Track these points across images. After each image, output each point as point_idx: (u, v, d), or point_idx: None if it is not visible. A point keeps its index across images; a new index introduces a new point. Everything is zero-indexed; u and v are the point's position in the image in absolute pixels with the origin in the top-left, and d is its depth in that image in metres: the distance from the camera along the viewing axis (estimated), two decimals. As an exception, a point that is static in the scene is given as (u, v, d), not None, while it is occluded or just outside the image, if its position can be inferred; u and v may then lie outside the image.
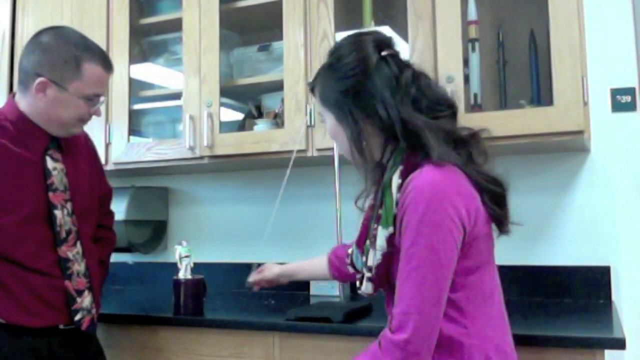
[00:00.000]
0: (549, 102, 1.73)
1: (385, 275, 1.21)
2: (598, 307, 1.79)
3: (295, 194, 2.29)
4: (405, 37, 1.89)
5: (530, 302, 1.90)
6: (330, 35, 1.94)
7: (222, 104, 2.13)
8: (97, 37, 2.11)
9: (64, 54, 1.50)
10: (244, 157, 2.05)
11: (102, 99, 1.59)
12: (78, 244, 1.58)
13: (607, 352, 1.37)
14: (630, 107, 1.91)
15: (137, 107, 2.35)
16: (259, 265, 1.73)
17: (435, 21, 1.82)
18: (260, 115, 2.27)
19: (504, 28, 1.98)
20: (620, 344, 1.34)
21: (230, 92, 2.23)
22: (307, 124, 1.95)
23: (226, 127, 2.18)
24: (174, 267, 1.83)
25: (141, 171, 2.36)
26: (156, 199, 2.51)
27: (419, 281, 1.09)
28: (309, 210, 2.25)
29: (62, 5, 2.38)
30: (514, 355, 1.22)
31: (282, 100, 2.09)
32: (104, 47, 2.19)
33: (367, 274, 1.22)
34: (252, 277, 1.77)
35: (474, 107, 1.85)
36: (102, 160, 2.11)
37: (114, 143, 2.25)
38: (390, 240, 1.17)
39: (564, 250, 1.96)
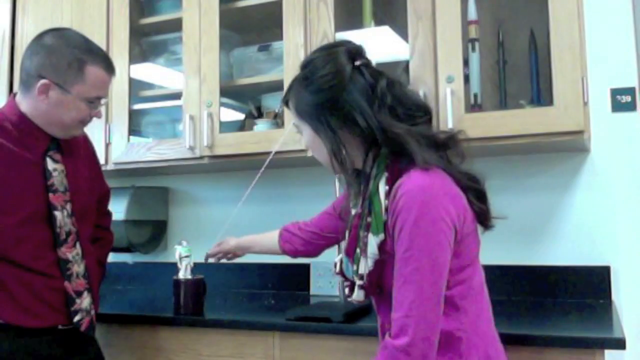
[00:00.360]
0: (549, 102, 1.73)
1: (376, 282, 1.22)
2: (598, 307, 1.79)
3: (295, 194, 2.29)
4: (405, 37, 1.89)
5: (530, 302, 1.91)
6: (330, 35, 1.95)
7: (222, 104, 2.13)
8: (97, 37, 2.11)
9: (68, 56, 1.50)
10: (244, 157, 2.05)
11: (103, 101, 1.59)
12: (77, 245, 1.58)
13: (607, 352, 1.38)
14: (630, 107, 1.91)
15: (137, 107, 2.35)
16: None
17: (435, 21, 1.82)
18: (260, 115, 2.27)
19: (504, 28, 1.98)
20: (620, 344, 1.34)
21: (230, 92, 2.23)
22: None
23: (226, 127, 2.18)
24: (174, 267, 1.84)
25: (141, 171, 2.36)
26: (156, 199, 2.51)
27: (417, 284, 1.10)
28: (309, 210, 2.24)
29: (62, 5, 2.38)
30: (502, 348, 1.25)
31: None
32: (104, 47, 2.20)
33: (359, 282, 1.23)
34: (211, 250, 1.80)
35: (474, 107, 1.85)
36: (102, 160, 2.12)
37: (114, 143, 2.24)
38: (382, 246, 1.18)
39: (564, 250, 1.96)
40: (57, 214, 1.54)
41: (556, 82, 1.68)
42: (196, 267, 1.84)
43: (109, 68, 1.57)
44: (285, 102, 1.33)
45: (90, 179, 1.69)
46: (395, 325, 1.12)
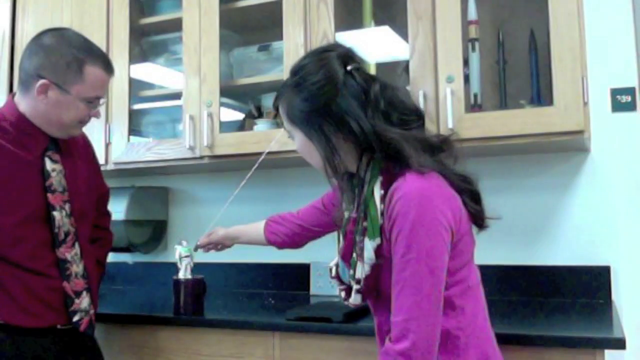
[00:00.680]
0: (549, 102, 1.73)
1: (373, 286, 1.22)
2: (598, 307, 1.79)
3: (293, 194, 2.29)
4: (405, 37, 1.89)
5: (530, 302, 1.90)
6: (330, 35, 1.94)
7: (222, 104, 2.13)
8: (97, 38, 2.11)
9: (67, 56, 1.50)
10: (244, 157, 2.05)
11: (102, 101, 1.59)
12: (76, 245, 1.58)
13: (607, 352, 1.37)
14: (630, 107, 1.91)
15: (137, 107, 2.35)
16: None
17: (435, 21, 1.82)
18: (260, 115, 2.27)
19: (504, 28, 1.98)
20: (620, 344, 1.34)
21: (230, 92, 2.23)
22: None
23: (226, 127, 2.18)
24: (174, 267, 1.83)
25: (141, 171, 2.36)
26: (156, 199, 2.51)
27: (417, 287, 1.11)
28: (309, 210, 2.25)
29: (62, 5, 2.38)
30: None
31: (282, 100, 2.09)
32: (104, 47, 2.20)
33: (356, 286, 1.23)
34: (201, 241, 1.81)
35: (474, 107, 1.85)
36: (102, 160, 2.12)
37: (114, 143, 2.24)
38: (378, 251, 1.18)
39: (564, 250, 1.96)
40: (56, 214, 1.54)
41: (556, 82, 1.68)
42: (196, 267, 1.83)
43: (108, 68, 1.57)
44: (276, 108, 1.32)
45: (89, 179, 1.69)
46: (396, 329, 1.13)
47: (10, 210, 1.49)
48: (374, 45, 2.05)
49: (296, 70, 1.27)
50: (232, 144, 2.06)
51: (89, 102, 1.54)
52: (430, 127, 1.61)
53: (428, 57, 1.82)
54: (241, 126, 2.31)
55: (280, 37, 2.04)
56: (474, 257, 1.25)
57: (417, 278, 1.10)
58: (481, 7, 1.92)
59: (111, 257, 1.89)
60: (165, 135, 2.38)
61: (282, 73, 2.02)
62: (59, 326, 1.55)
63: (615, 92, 1.92)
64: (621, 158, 1.92)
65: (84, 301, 1.58)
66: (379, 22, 2.05)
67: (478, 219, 1.23)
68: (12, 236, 1.49)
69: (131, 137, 2.27)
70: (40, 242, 1.53)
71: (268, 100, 2.28)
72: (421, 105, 1.76)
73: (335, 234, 1.75)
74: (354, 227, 1.23)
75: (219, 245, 1.82)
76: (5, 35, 2.45)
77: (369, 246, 1.18)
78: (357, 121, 1.19)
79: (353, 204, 1.26)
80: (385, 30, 2.03)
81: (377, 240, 1.18)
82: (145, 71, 2.38)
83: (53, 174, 1.55)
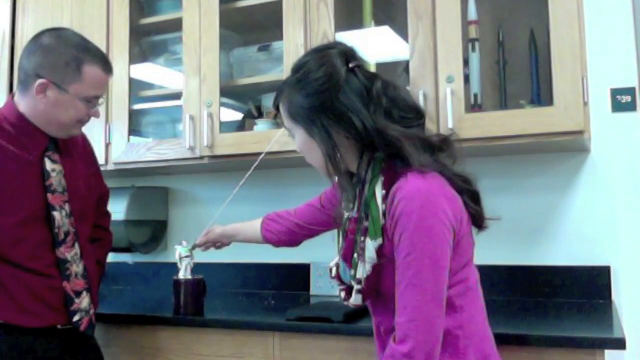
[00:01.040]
0: (549, 102, 1.73)
1: (374, 286, 1.22)
2: (598, 307, 1.79)
3: (294, 194, 2.28)
4: (405, 37, 1.89)
5: (530, 302, 1.90)
6: (330, 35, 1.94)
7: (222, 104, 2.13)
8: (97, 38, 2.12)
9: (65, 55, 1.50)
10: (244, 157, 2.04)
11: (100, 100, 1.59)
12: (76, 245, 1.58)
13: (607, 352, 1.38)
14: (630, 107, 1.91)
15: (137, 107, 2.35)
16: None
17: (435, 21, 1.82)
18: (260, 115, 2.27)
19: (504, 28, 1.98)
20: (620, 344, 1.34)
21: (230, 92, 2.23)
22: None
23: (226, 127, 2.18)
24: (174, 267, 1.84)
25: (141, 171, 2.36)
26: (156, 199, 2.51)
27: (421, 287, 1.11)
28: (309, 210, 2.25)
29: (62, 5, 2.38)
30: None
31: (282, 100, 2.09)
32: (104, 47, 2.20)
33: (356, 286, 1.23)
34: (199, 240, 1.81)
35: (474, 107, 1.85)
36: (102, 160, 2.12)
37: (114, 143, 2.24)
38: (380, 251, 1.18)
39: (564, 250, 1.96)
40: (56, 214, 1.54)
41: (556, 82, 1.68)
42: (196, 267, 1.83)
43: (107, 67, 1.57)
44: (276, 106, 1.32)
45: (88, 179, 1.69)
46: (400, 330, 1.13)
47: (10, 210, 1.49)
48: (374, 45, 2.05)
49: (298, 68, 1.27)
50: (232, 144, 2.06)
51: (88, 101, 1.54)
52: (430, 127, 1.61)
53: (428, 57, 1.82)
54: (240, 126, 2.31)
55: (280, 37, 2.04)
56: (473, 258, 1.25)
57: (421, 278, 1.11)
58: (481, 7, 1.92)
59: (111, 257, 1.89)
60: (165, 135, 2.38)
61: (282, 73, 2.02)
62: (59, 326, 1.55)
63: (615, 92, 1.92)
64: (621, 158, 1.92)
65: (84, 301, 1.58)
66: (379, 22, 2.05)
67: (478, 220, 1.24)
68: (12, 236, 1.49)
69: (131, 137, 2.27)
70: (40, 242, 1.53)
71: (268, 100, 2.28)
72: (421, 105, 1.76)
73: (334, 233, 1.76)
74: (355, 227, 1.23)
75: (217, 243, 1.82)
76: (5, 35, 2.45)
77: (371, 246, 1.18)
78: (359, 117, 1.19)
79: (353, 203, 1.26)
80: (385, 30, 2.03)
81: (379, 241, 1.18)
82: (145, 71, 2.38)
83: (53, 174, 1.55)
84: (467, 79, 1.85)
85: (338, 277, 1.30)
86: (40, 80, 1.49)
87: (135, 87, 2.30)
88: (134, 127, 2.35)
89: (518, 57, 1.96)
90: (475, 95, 1.86)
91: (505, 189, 2.01)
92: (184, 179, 2.54)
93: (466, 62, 1.85)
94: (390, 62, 2.08)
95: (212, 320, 1.75)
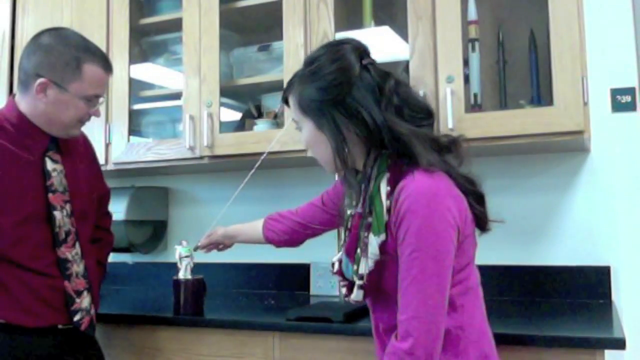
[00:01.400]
0: (549, 102, 1.73)
1: (376, 282, 1.22)
2: (598, 307, 1.79)
3: (294, 194, 2.28)
4: (405, 37, 1.89)
5: (531, 302, 1.91)
6: (330, 35, 1.94)
7: (222, 104, 2.13)
8: (97, 38, 2.11)
9: (65, 54, 1.51)
10: (244, 157, 2.05)
11: (101, 99, 1.59)
12: (77, 244, 1.59)
13: (607, 352, 1.38)
14: (630, 107, 1.91)
15: (137, 107, 2.35)
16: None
17: (435, 21, 1.82)
18: (260, 115, 2.27)
19: (504, 28, 1.98)
20: (620, 344, 1.34)
21: (230, 92, 2.23)
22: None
23: (226, 127, 2.18)
24: (174, 267, 1.84)
25: (141, 171, 2.36)
26: (156, 199, 2.51)
27: (425, 285, 1.11)
28: (309, 210, 2.25)
29: (62, 5, 2.38)
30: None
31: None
32: (104, 47, 2.20)
33: (358, 282, 1.23)
34: (201, 242, 1.80)
35: (474, 107, 1.85)
36: (102, 160, 2.12)
37: (114, 143, 2.25)
38: (383, 247, 1.18)
39: (564, 250, 1.96)
40: (57, 213, 1.54)
41: (556, 82, 1.69)
42: (196, 267, 1.83)
43: (107, 66, 1.57)
44: (285, 99, 1.32)
45: (89, 180, 1.69)
46: (402, 327, 1.13)
47: (11, 210, 1.49)
48: (374, 45, 2.04)
49: (311, 61, 1.27)
50: (232, 144, 2.06)
51: (88, 100, 1.54)
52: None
53: (428, 57, 1.82)
54: (238, 126, 2.31)
55: (280, 37, 2.04)
56: (475, 259, 1.25)
57: (425, 276, 1.11)
58: (481, 7, 1.92)
59: (111, 257, 1.89)
60: (165, 135, 2.38)
61: (282, 73, 2.02)
62: (59, 326, 1.55)
63: (615, 92, 1.92)
64: (621, 158, 1.92)
65: (85, 301, 1.58)
66: (379, 22, 2.05)
67: (482, 221, 1.24)
68: (13, 236, 1.49)
69: (131, 137, 2.27)
70: (41, 242, 1.53)
71: (268, 100, 2.28)
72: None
73: (334, 233, 1.77)
74: (358, 222, 1.23)
75: (220, 245, 1.81)
76: (5, 35, 2.45)
77: (374, 242, 1.19)
78: (370, 114, 1.19)
79: (358, 200, 1.26)
80: (385, 30, 2.03)
81: (382, 236, 1.18)
82: (145, 71, 2.38)
83: (54, 174, 1.56)
84: (467, 79, 1.85)
85: (340, 272, 1.30)
86: (40, 80, 1.49)
87: (135, 87, 2.30)
88: (134, 127, 2.35)
89: (518, 57, 1.96)
90: (475, 95, 1.86)
91: (505, 189, 2.01)
92: (184, 179, 2.54)
93: (466, 62, 1.85)
94: (390, 62, 2.07)
95: (212, 320, 1.75)
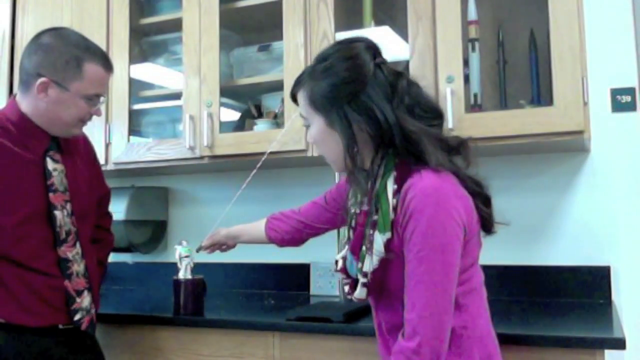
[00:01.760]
0: (549, 102, 1.73)
1: (380, 281, 1.22)
2: (598, 307, 1.79)
3: (295, 194, 2.28)
4: (405, 37, 1.89)
5: (530, 302, 1.91)
6: (330, 35, 1.94)
7: (222, 104, 2.13)
8: (97, 37, 2.11)
9: (65, 54, 1.51)
10: (244, 157, 2.05)
11: (102, 99, 1.59)
12: (77, 244, 1.59)
13: (607, 352, 1.38)
14: (630, 107, 1.91)
15: (137, 107, 2.35)
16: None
17: (435, 21, 1.82)
18: (260, 115, 2.27)
19: (504, 28, 1.98)
20: (620, 344, 1.34)
21: (230, 92, 2.23)
22: (307, 124, 1.95)
23: (226, 127, 2.18)
24: (174, 267, 1.84)
25: (141, 171, 2.36)
26: (156, 199, 2.51)
27: (432, 284, 1.11)
28: (309, 210, 2.25)
29: (62, 5, 2.38)
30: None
31: (282, 100, 2.09)
32: (104, 47, 2.20)
33: (362, 280, 1.23)
34: (204, 242, 1.80)
35: (474, 107, 1.85)
36: (102, 160, 2.12)
37: (114, 143, 2.25)
38: (388, 245, 1.18)
39: (564, 250, 1.96)
40: (57, 213, 1.54)
41: (556, 82, 1.69)
42: (196, 267, 1.83)
43: (107, 65, 1.57)
44: (294, 94, 1.31)
45: (90, 180, 1.69)
46: (409, 326, 1.13)
47: (12, 209, 1.49)
48: (374, 45, 2.04)
49: (324, 57, 1.27)
50: (232, 144, 2.06)
51: (89, 99, 1.55)
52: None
53: (428, 57, 1.82)
54: (237, 126, 2.31)
55: (280, 37, 2.04)
56: (479, 259, 1.25)
57: (432, 275, 1.11)
58: (481, 7, 1.92)
59: (111, 257, 1.89)
60: (165, 135, 2.38)
61: (282, 73, 2.02)
62: (60, 326, 1.55)
63: (615, 92, 1.92)
64: (621, 158, 1.92)
65: (85, 300, 1.58)
66: (379, 22, 2.05)
67: (487, 223, 1.24)
68: (14, 235, 1.50)
69: (131, 137, 2.27)
70: (42, 241, 1.53)
71: (268, 100, 2.28)
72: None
73: (334, 233, 1.77)
74: (364, 220, 1.23)
75: (223, 245, 1.81)
76: (5, 35, 2.45)
77: (379, 240, 1.19)
78: (382, 111, 1.20)
79: (364, 198, 1.26)
80: (385, 30, 2.03)
81: (388, 235, 1.18)
82: (145, 71, 2.38)
83: (54, 174, 1.56)
84: (467, 79, 1.85)
85: (344, 270, 1.30)
86: (41, 79, 1.49)
87: (135, 87, 2.30)
88: (134, 127, 2.35)
89: (518, 57, 1.96)
90: (475, 95, 1.86)
91: (506, 189, 2.01)
92: (184, 179, 2.54)
93: (466, 62, 1.85)
94: (390, 62, 2.08)
95: (212, 320, 1.75)
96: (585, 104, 1.67)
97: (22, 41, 2.39)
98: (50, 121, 1.54)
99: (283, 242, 1.69)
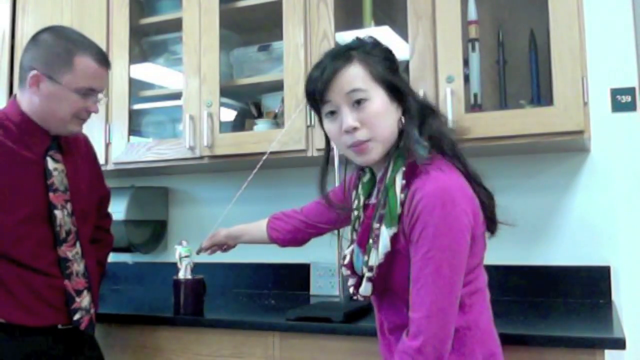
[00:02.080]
0: (549, 102, 1.73)
1: (384, 277, 1.22)
2: (598, 307, 1.79)
3: (295, 194, 2.28)
4: (405, 37, 1.89)
5: (531, 302, 1.91)
6: (330, 35, 1.94)
7: (222, 104, 2.13)
8: (97, 37, 2.11)
9: (57, 47, 1.52)
10: (244, 157, 2.05)
11: (100, 96, 1.58)
12: (77, 244, 1.59)
13: (607, 352, 1.38)
14: (630, 107, 1.91)
15: (137, 107, 2.35)
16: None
17: (435, 21, 1.82)
18: (260, 115, 2.27)
19: (504, 28, 1.98)
20: (620, 344, 1.34)
21: (230, 92, 2.23)
22: (307, 124, 1.95)
23: (226, 127, 2.18)
24: (174, 267, 1.83)
25: (141, 171, 2.36)
26: (156, 199, 2.51)
27: (439, 285, 1.11)
28: (309, 210, 2.25)
29: (62, 5, 2.38)
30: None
31: (282, 100, 2.09)
32: (103, 47, 2.19)
33: (368, 274, 1.22)
34: (205, 243, 1.79)
35: (474, 107, 1.85)
36: (102, 160, 2.12)
37: (114, 143, 2.25)
38: (394, 240, 1.18)
39: (564, 250, 1.96)
40: (57, 212, 1.54)
41: (556, 82, 1.68)
42: (196, 267, 1.83)
43: (100, 60, 1.56)
44: (349, 55, 1.23)
45: (90, 180, 1.70)
46: (413, 325, 1.13)
47: (12, 208, 1.50)
48: (374, 45, 2.04)
49: (364, 41, 1.27)
50: (232, 144, 2.06)
51: (82, 94, 1.53)
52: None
53: (428, 57, 1.82)
54: (236, 126, 2.30)
55: (280, 37, 2.04)
56: (484, 260, 1.25)
57: (439, 275, 1.11)
58: (481, 7, 1.92)
59: (111, 257, 1.90)
60: (165, 135, 2.38)
61: (282, 73, 2.02)
62: (60, 326, 1.55)
63: (615, 92, 1.93)
64: (621, 158, 1.92)
65: (85, 300, 1.58)
66: (379, 22, 2.05)
67: (492, 224, 1.25)
68: (14, 234, 1.50)
69: (131, 137, 2.27)
70: (42, 241, 1.53)
71: (268, 100, 2.28)
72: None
73: (335, 233, 1.76)
74: (372, 213, 1.23)
75: (224, 246, 1.81)
76: (5, 35, 2.45)
77: (385, 234, 1.18)
78: (414, 98, 1.25)
79: (372, 190, 1.27)
80: (385, 30, 2.03)
81: (394, 229, 1.18)
82: (145, 71, 2.38)
83: (55, 173, 1.56)
84: (467, 79, 1.85)
85: (350, 265, 1.30)
86: (32, 73, 1.50)
87: (135, 87, 2.30)
88: (134, 127, 2.35)
89: (518, 57, 1.96)
90: (475, 95, 1.86)
91: (505, 189, 2.00)
92: (184, 179, 2.54)
93: (466, 62, 1.85)
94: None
95: (212, 320, 1.75)
96: (585, 104, 1.67)
97: (22, 41, 2.39)
98: (46, 117, 1.54)
99: (285, 242, 1.68)
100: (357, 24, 2.04)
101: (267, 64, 2.21)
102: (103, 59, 1.57)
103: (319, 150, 1.93)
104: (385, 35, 2.04)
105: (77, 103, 1.54)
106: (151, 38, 2.40)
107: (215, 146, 2.07)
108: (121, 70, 2.24)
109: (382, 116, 1.22)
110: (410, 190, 1.16)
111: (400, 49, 1.96)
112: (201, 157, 2.11)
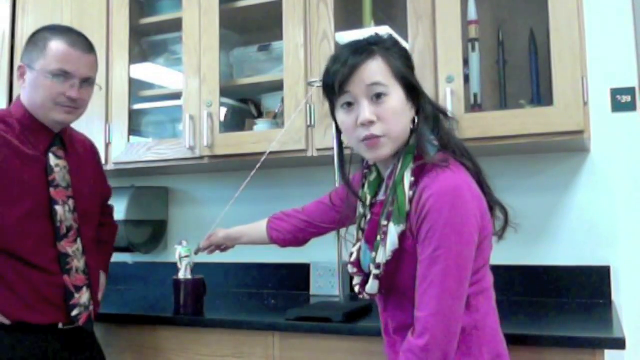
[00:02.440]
0: (549, 102, 1.73)
1: (391, 276, 1.21)
2: (598, 307, 1.79)
3: (295, 194, 2.29)
4: (405, 37, 1.89)
5: (530, 302, 1.91)
6: (330, 35, 1.94)
7: (222, 104, 2.13)
8: (97, 38, 2.12)
9: (37, 38, 1.56)
10: (244, 157, 2.05)
11: (75, 80, 1.53)
12: (78, 240, 1.59)
13: (607, 352, 1.38)
14: (630, 107, 1.91)
15: (137, 107, 2.35)
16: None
17: (435, 21, 1.82)
18: (260, 115, 2.27)
19: (504, 28, 1.98)
20: (620, 344, 1.34)
21: (230, 92, 2.23)
22: (307, 124, 1.95)
23: (224, 124, 2.18)
24: (174, 267, 1.84)
25: (141, 171, 2.36)
26: (156, 199, 2.51)
27: (445, 285, 1.11)
28: (309, 210, 2.25)
29: (62, 5, 2.38)
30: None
31: (282, 100, 2.09)
32: (104, 47, 2.22)
33: (375, 272, 1.22)
34: (203, 244, 1.78)
35: (474, 107, 1.85)
36: (102, 160, 2.11)
37: (114, 143, 2.25)
38: (402, 238, 1.18)
39: (564, 250, 1.96)
40: (58, 208, 1.55)
41: (556, 82, 1.68)
42: (196, 267, 1.84)
43: (74, 42, 1.54)
44: (362, 61, 1.21)
45: (93, 180, 1.71)
46: (419, 324, 1.13)
47: (14, 204, 1.50)
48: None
49: (383, 37, 1.26)
50: (232, 144, 2.06)
51: (54, 75, 1.52)
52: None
53: (428, 57, 1.82)
54: (235, 125, 2.30)
55: (280, 37, 2.04)
56: (490, 261, 1.25)
57: (446, 275, 1.11)
58: (481, 7, 1.92)
59: (111, 257, 1.90)
60: (165, 135, 2.38)
61: (282, 73, 2.02)
62: (60, 325, 1.55)
63: (615, 92, 1.92)
64: (621, 158, 1.92)
65: (84, 296, 1.58)
66: (379, 22, 2.05)
67: (501, 224, 1.26)
68: (15, 230, 1.50)
69: (131, 137, 2.27)
70: (43, 237, 1.53)
71: (268, 100, 2.28)
72: None
73: (334, 233, 1.76)
74: (380, 210, 1.23)
75: (222, 246, 1.80)
76: (5, 35, 2.45)
77: (394, 231, 1.18)
78: (426, 99, 1.26)
79: (378, 189, 1.28)
80: (385, 30, 2.03)
81: (402, 227, 1.18)
82: (145, 71, 2.39)
83: (57, 170, 1.57)
84: (467, 79, 1.85)
85: (357, 263, 1.29)
86: (18, 65, 1.56)
87: (135, 87, 2.30)
88: (134, 127, 2.35)
89: (518, 57, 1.96)
90: (475, 95, 1.86)
91: (505, 189, 1.98)
92: (184, 179, 2.54)
93: (466, 62, 1.85)
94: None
95: (212, 320, 1.75)
96: (585, 104, 1.67)
97: (22, 41, 2.39)
98: (34, 109, 1.56)
99: (285, 242, 1.66)
100: (357, 24, 2.04)
101: (267, 64, 2.21)
102: (77, 42, 1.55)
103: (319, 150, 1.93)
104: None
105: (52, 88, 1.52)
106: (151, 38, 2.40)
107: (215, 146, 2.07)
108: (121, 70, 2.24)
109: (398, 114, 1.22)
110: (419, 188, 1.16)
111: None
112: (201, 157, 2.11)
